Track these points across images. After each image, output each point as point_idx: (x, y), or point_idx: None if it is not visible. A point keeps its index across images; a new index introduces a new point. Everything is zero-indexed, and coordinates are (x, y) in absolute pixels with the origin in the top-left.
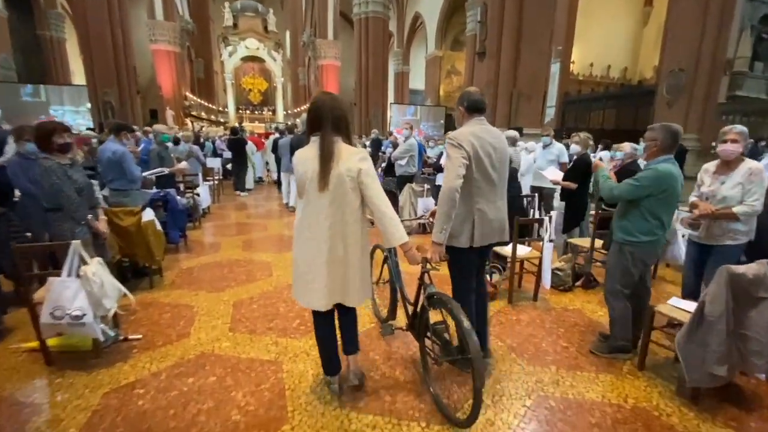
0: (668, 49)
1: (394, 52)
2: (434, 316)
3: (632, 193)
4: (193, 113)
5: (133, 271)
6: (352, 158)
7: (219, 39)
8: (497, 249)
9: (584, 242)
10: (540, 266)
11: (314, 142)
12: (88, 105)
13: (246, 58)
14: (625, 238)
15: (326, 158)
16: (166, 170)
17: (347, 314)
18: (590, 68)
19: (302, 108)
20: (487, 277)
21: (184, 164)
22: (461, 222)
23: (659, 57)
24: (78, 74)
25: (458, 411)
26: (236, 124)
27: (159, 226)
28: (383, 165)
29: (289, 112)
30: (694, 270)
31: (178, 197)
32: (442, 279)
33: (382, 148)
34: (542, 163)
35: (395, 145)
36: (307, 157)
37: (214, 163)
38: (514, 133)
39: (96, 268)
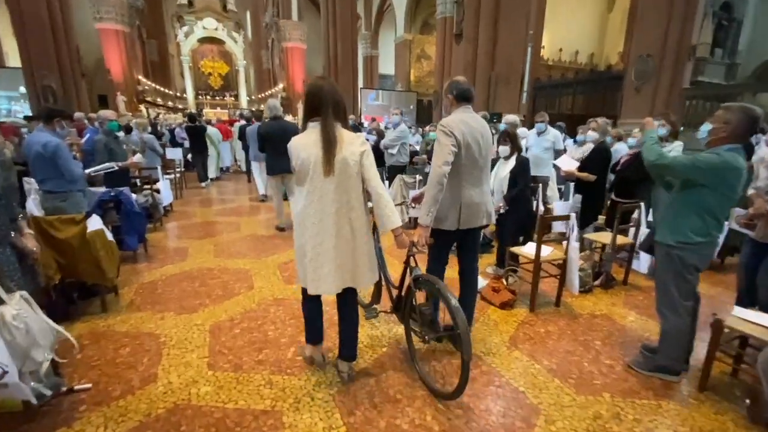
0: (636, 35)
1: (362, 35)
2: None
3: (684, 168)
4: (148, 99)
5: (81, 290)
6: (354, 142)
7: (173, 18)
8: (514, 249)
9: (602, 237)
10: (564, 269)
11: (313, 127)
12: (22, 89)
13: (204, 40)
14: (676, 240)
15: (330, 143)
16: (116, 165)
17: (349, 305)
18: (559, 53)
19: (267, 93)
20: (504, 281)
21: (138, 157)
22: (449, 206)
23: (624, 42)
24: (12, 55)
25: (445, 386)
26: (193, 110)
27: (110, 236)
28: None
29: (253, 97)
30: (748, 273)
31: (134, 195)
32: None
33: (365, 135)
34: (538, 150)
35: (379, 133)
36: (308, 143)
37: (175, 153)
38: (514, 117)
39: (18, 308)
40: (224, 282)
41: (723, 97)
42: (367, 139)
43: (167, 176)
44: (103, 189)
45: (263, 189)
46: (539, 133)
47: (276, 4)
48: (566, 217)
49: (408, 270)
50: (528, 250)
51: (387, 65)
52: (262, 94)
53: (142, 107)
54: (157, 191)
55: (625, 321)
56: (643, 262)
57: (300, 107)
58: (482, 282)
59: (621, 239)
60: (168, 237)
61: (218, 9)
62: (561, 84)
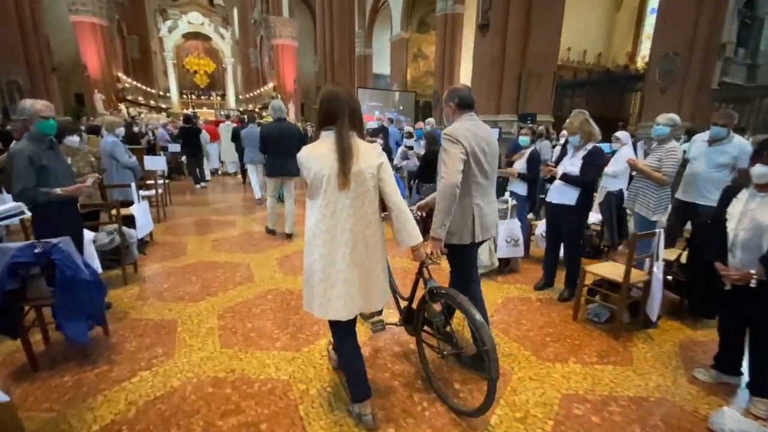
0: (659, 32)
1: (356, 33)
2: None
3: None
4: (129, 98)
5: None
6: (371, 153)
7: (156, 13)
8: None
9: None
10: None
11: (327, 137)
12: None
13: (189, 35)
14: None
15: (346, 154)
16: (25, 209)
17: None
18: (568, 53)
19: (256, 93)
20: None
21: (90, 180)
22: (461, 218)
23: (632, 42)
24: None
25: (464, 401)
26: (189, 112)
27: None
28: (404, 164)
29: (241, 97)
30: None
31: (91, 235)
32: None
33: (406, 142)
34: (706, 167)
35: (431, 139)
36: (321, 153)
37: (156, 163)
38: (673, 117)
39: None
40: (250, 425)
41: (743, 99)
42: (411, 147)
43: (146, 192)
44: (19, 243)
45: (259, 193)
46: (712, 142)
47: (265, 1)
48: None
49: (422, 281)
50: None
51: (381, 65)
52: (250, 94)
53: (122, 106)
54: (130, 219)
55: None
56: None
57: (291, 108)
58: None
59: None
60: (144, 297)
61: (204, 3)
62: (573, 84)
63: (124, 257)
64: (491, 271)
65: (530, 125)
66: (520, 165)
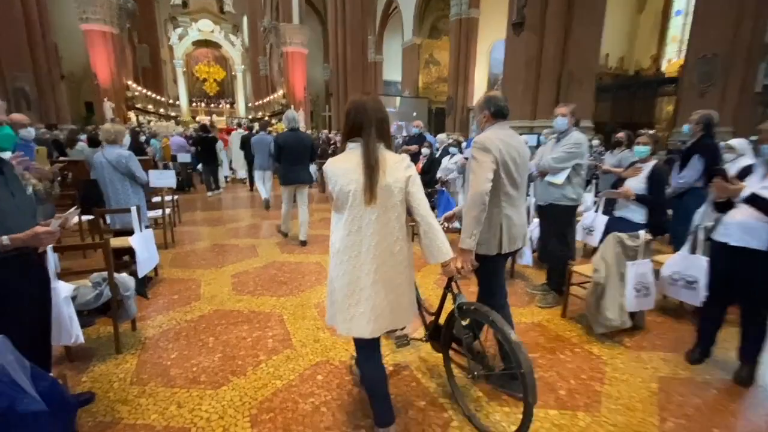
0: (696, 33)
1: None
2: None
3: None
4: (138, 106)
5: None
6: (399, 166)
7: (166, 21)
8: None
9: None
10: None
11: (352, 149)
12: None
13: (199, 43)
14: None
15: (373, 168)
16: None
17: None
18: None
19: (265, 100)
20: None
21: (56, 222)
22: (489, 228)
23: (657, 45)
24: None
25: (494, 424)
26: (206, 121)
27: None
28: (452, 177)
29: (251, 105)
30: None
31: (67, 289)
32: None
33: (463, 153)
34: None
35: None
36: (347, 167)
37: (163, 179)
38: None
39: None
40: None
41: None
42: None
43: (152, 213)
44: None
45: (265, 195)
46: None
47: (275, 9)
48: None
49: (451, 297)
50: None
51: (392, 71)
52: (260, 102)
53: (131, 114)
54: (128, 255)
55: None
56: None
57: (301, 115)
58: None
59: None
60: (142, 378)
61: (215, 10)
62: (598, 89)
63: (117, 316)
64: (615, 332)
65: (651, 132)
66: (636, 184)
